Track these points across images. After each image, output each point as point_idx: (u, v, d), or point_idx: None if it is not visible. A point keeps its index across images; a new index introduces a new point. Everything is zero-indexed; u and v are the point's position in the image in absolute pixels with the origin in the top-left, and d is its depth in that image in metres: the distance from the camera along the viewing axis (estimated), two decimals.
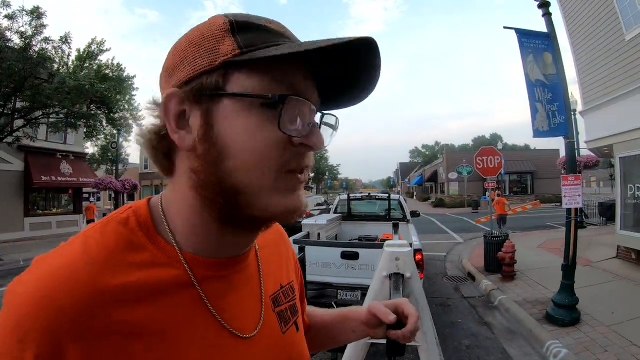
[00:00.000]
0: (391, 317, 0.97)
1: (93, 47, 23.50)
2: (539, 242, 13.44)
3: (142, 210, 0.69)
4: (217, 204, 0.64)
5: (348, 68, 0.66)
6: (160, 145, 0.67)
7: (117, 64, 26.75)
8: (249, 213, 0.64)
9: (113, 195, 24.15)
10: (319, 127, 0.69)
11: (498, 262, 8.95)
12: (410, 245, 3.54)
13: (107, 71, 24.94)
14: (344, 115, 0.76)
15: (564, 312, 5.99)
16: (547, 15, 6.10)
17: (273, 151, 0.61)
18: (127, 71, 27.55)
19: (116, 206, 23.35)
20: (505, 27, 6.17)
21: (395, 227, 7.60)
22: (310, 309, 1.18)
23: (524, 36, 6.05)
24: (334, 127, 0.75)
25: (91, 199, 33.33)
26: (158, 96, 0.66)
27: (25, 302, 0.54)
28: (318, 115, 0.70)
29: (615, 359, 4.79)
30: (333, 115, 0.74)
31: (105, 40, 23.50)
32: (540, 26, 6.25)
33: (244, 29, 0.61)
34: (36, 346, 0.53)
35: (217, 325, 0.68)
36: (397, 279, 1.77)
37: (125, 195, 23.12)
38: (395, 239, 6.15)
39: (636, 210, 9.05)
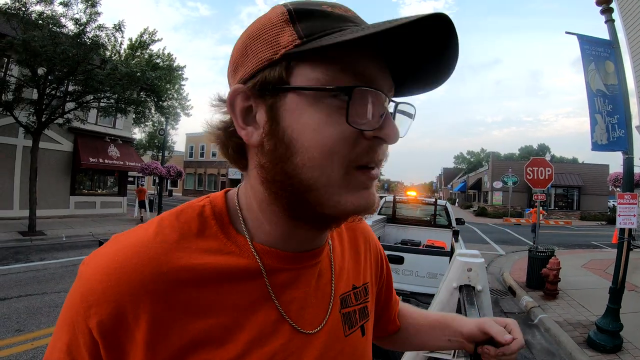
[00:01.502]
0: (508, 338, 0.89)
1: (145, 36, 24.23)
2: (583, 262, 12.94)
3: (219, 200, 0.71)
4: (286, 200, 0.62)
5: (422, 50, 0.59)
6: (230, 141, 0.68)
7: (168, 54, 27.66)
8: (319, 210, 0.61)
9: (157, 180, 24.66)
10: (394, 117, 0.64)
11: (541, 279, 8.63)
12: None
13: (157, 60, 25.71)
14: None
15: (607, 337, 5.71)
16: (610, 21, 5.80)
17: (342, 146, 0.57)
18: (177, 62, 28.28)
19: (160, 191, 23.93)
20: (567, 33, 5.90)
21: (456, 234, 7.35)
22: (404, 308, 1.16)
23: (587, 43, 5.77)
24: (411, 116, 0.70)
25: (142, 182, 34.21)
26: (224, 92, 0.67)
27: (98, 272, 0.58)
28: (392, 104, 0.65)
29: None
30: (409, 103, 0.68)
31: (156, 31, 24.21)
32: (592, 33, 5.97)
33: (305, 17, 0.58)
34: (101, 313, 0.56)
35: (279, 317, 0.67)
36: (469, 292, 1.65)
37: (169, 181, 23.62)
38: (458, 247, 5.95)
39: None
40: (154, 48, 25.31)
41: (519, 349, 0.89)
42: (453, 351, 1.85)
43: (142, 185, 25.03)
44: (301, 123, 0.57)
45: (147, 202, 21.90)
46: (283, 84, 0.57)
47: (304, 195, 0.60)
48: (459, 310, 1.63)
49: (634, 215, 5.63)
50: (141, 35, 24.09)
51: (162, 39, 24.50)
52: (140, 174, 24.05)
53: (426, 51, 0.59)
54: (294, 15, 0.58)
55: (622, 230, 5.76)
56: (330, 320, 0.76)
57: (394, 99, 0.66)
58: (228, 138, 0.68)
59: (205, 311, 0.61)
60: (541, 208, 11.90)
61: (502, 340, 0.88)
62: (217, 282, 0.62)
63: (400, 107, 0.66)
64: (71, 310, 0.59)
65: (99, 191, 23.08)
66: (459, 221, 9.13)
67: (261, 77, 0.58)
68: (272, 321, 0.66)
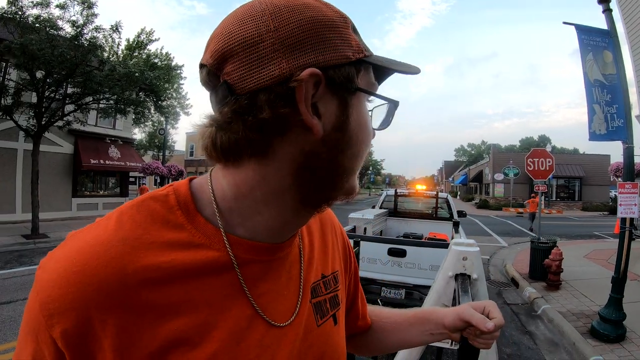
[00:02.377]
0: (489, 325, 0.89)
1: (142, 37, 24.22)
2: (585, 252, 12.94)
3: (183, 189, 0.68)
4: (315, 186, 0.64)
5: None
6: (238, 128, 0.60)
7: (166, 53, 27.65)
8: (336, 193, 0.67)
9: (159, 180, 24.81)
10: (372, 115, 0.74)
11: (544, 270, 8.64)
12: None
13: (156, 60, 25.66)
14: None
15: (610, 327, 5.73)
16: (607, 11, 5.79)
17: (369, 142, 0.69)
18: (175, 61, 28.31)
19: None
20: (564, 23, 5.90)
21: (456, 225, 7.44)
22: (377, 309, 1.16)
23: (584, 33, 5.76)
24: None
25: (143, 181, 34.36)
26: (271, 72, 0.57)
27: (56, 277, 0.55)
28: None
29: None
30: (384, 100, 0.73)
31: (154, 31, 24.15)
32: (593, 24, 5.96)
33: (355, 31, 0.66)
34: (64, 322, 0.53)
35: (252, 311, 0.67)
36: (464, 281, 1.68)
37: (170, 180, 23.77)
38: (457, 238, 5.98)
39: None
40: (152, 48, 25.39)
41: (500, 327, 0.91)
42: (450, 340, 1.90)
43: (144, 184, 25.18)
44: (359, 120, 0.64)
45: None
46: (355, 84, 0.62)
47: (337, 180, 0.65)
48: (455, 299, 1.66)
49: (635, 205, 5.63)
50: (138, 36, 24.10)
51: (159, 38, 24.51)
52: (142, 174, 24.15)
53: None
54: (353, 26, 0.66)
55: (623, 220, 5.77)
56: (301, 311, 0.76)
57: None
58: (242, 123, 0.59)
59: (176, 311, 0.59)
60: (539, 198, 11.92)
61: (484, 329, 0.89)
62: (186, 279, 0.60)
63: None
64: (32, 320, 0.57)
65: (101, 192, 23.15)
66: (461, 213, 9.17)
67: (343, 72, 0.60)
68: (246, 316, 0.66)
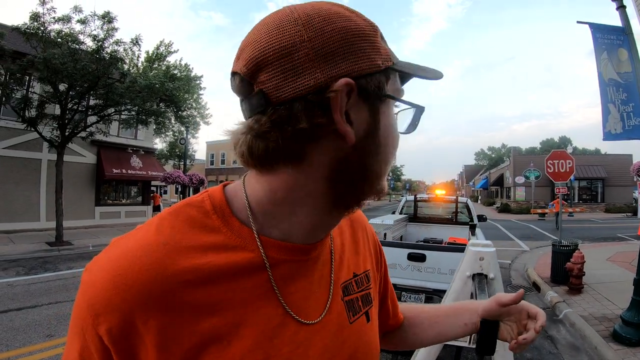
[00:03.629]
0: (516, 295, 0.98)
1: (162, 49, 24.50)
2: (608, 255, 12.70)
3: (218, 194, 0.72)
4: (345, 189, 0.67)
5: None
6: (277, 135, 0.60)
7: (185, 64, 27.98)
8: (367, 194, 0.70)
9: (180, 189, 25.15)
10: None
11: (565, 273, 8.52)
12: None
13: (175, 71, 26.00)
14: None
15: (633, 330, 5.62)
16: (621, 8, 5.76)
17: (397, 146, 0.72)
18: (194, 71, 28.66)
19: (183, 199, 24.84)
20: (578, 22, 5.88)
21: (473, 228, 7.39)
22: (412, 305, 1.20)
23: (599, 31, 5.73)
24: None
25: (163, 190, 35.09)
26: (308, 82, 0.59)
27: (101, 280, 0.59)
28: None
29: None
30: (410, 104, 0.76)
31: (172, 43, 24.49)
32: (610, 21, 5.91)
33: (382, 38, 0.67)
34: (110, 321, 0.57)
35: (282, 310, 0.69)
36: (480, 280, 1.72)
37: (191, 189, 24.07)
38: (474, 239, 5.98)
39: None
40: (171, 59, 25.69)
41: (541, 328, 0.96)
42: (469, 338, 1.92)
43: (154, 192, 25.96)
44: (387, 126, 0.67)
45: (161, 206, 23.42)
46: (385, 92, 0.64)
47: (368, 183, 0.68)
48: (472, 298, 1.69)
49: None
50: (157, 48, 24.39)
51: (178, 50, 24.87)
52: (163, 183, 24.47)
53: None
54: (381, 34, 0.67)
55: None
56: (333, 308, 0.77)
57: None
58: (280, 132, 0.60)
59: (212, 310, 0.62)
60: (562, 201, 11.77)
61: (532, 311, 0.98)
62: (221, 279, 0.63)
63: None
64: (79, 319, 0.61)
65: (123, 201, 23.57)
66: (481, 218, 9.11)
67: (375, 81, 0.62)
68: (277, 315, 0.68)
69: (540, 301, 8.27)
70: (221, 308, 0.63)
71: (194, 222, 0.67)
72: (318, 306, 0.75)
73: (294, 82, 0.57)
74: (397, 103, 0.70)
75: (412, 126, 0.73)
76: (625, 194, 37.19)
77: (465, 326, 1.03)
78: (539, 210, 29.73)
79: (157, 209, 24.08)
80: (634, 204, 33.68)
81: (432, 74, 0.71)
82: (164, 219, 0.67)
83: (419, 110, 0.71)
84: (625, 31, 5.72)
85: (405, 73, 0.69)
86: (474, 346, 1.47)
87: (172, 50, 24.67)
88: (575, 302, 7.64)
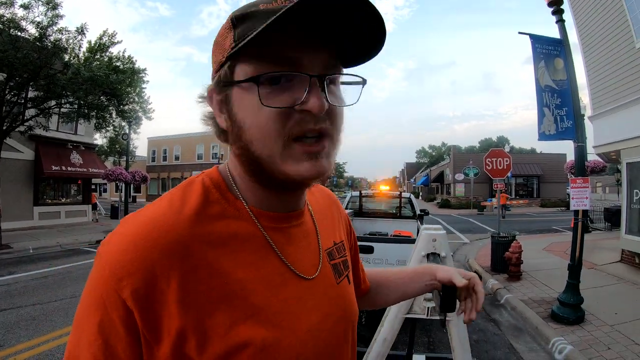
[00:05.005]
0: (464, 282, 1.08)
1: (105, 39, 23.33)
2: (544, 245, 13.59)
3: (214, 174, 0.81)
4: (250, 169, 0.75)
5: (346, 20, 0.67)
6: (216, 126, 0.79)
7: (129, 56, 26.68)
8: (274, 177, 0.72)
9: (122, 186, 24.34)
10: (333, 87, 0.74)
11: (505, 262, 9.09)
12: None
13: (118, 63, 24.88)
14: (350, 115, 0.78)
15: (569, 310, 6.14)
16: (560, 22, 6.21)
17: (272, 124, 0.67)
18: (137, 64, 27.48)
19: (126, 197, 23.63)
20: (520, 33, 6.27)
21: (421, 218, 7.94)
22: (381, 269, 1.31)
23: (538, 42, 6.15)
24: (360, 83, 0.78)
25: (98, 189, 33.77)
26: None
27: (124, 246, 0.64)
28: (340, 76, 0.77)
29: (618, 357, 4.93)
30: (350, 74, 0.77)
31: (116, 33, 23.35)
32: (546, 31, 6.36)
33: (241, 22, 0.68)
34: (134, 283, 0.61)
35: (284, 268, 0.78)
36: (435, 258, 1.94)
37: (132, 187, 23.25)
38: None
39: None
40: (114, 50, 24.37)
41: (482, 297, 1.10)
42: (426, 311, 2.15)
43: (94, 191, 25.49)
44: (243, 109, 0.70)
45: (98, 204, 23.45)
46: (229, 80, 0.71)
47: (258, 165, 0.72)
48: None
49: (587, 198, 6.08)
50: (100, 38, 23.04)
51: (122, 40, 23.70)
52: (104, 181, 23.60)
53: (351, 20, 0.67)
54: (235, 22, 0.69)
55: (576, 212, 6.21)
56: (322, 269, 0.87)
57: (340, 71, 0.75)
58: (214, 124, 0.79)
59: (224, 270, 0.69)
60: (503, 193, 12.46)
61: (460, 285, 1.06)
62: (229, 244, 0.71)
63: (345, 78, 0.77)
64: (99, 289, 0.63)
65: (63, 200, 22.48)
66: (423, 212, 9.47)
67: (217, 76, 0.72)
68: (280, 272, 0.77)
69: (483, 288, 8.70)
70: (231, 268, 0.70)
71: (199, 196, 0.75)
72: (311, 266, 0.85)
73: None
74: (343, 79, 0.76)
75: (263, 99, 0.67)
76: (560, 189, 39.40)
77: (426, 286, 1.15)
78: (488, 204, 31.40)
79: (94, 207, 23.65)
80: (568, 199, 35.61)
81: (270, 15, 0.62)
82: (173, 194, 0.75)
83: (257, 83, 0.67)
84: (562, 43, 6.20)
85: (243, 48, 0.65)
86: (430, 317, 1.71)
87: (116, 41, 23.42)
88: (515, 288, 8.19)
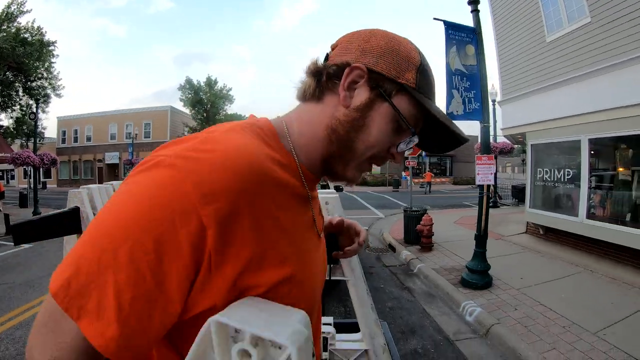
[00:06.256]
0: (358, 228, 1.30)
1: (13, 7, 21.33)
2: (455, 219, 14.54)
3: (268, 124, 0.85)
4: (330, 142, 0.83)
5: (437, 137, 0.92)
6: (319, 81, 0.85)
7: (38, 27, 24.48)
8: (337, 165, 0.86)
9: (31, 171, 22.36)
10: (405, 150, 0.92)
11: (417, 235, 9.63)
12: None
13: (26, 35, 22.88)
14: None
15: (478, 277, 6.64)
16: (475, 11, 6.60)
17: (375, 150, 0.84)
18: (47, 36, 25.04)
19: (35, 184, 21.00)
20: (435, 19, 6.54)
21: (337, 189, 7.99)
22: None
23: (451, 28, 6.44)
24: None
25: (5, 176, 30.50)
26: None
27: (215, 165, 0.63)
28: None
29: (525, 316, 5.42)
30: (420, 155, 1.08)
31: (25, 1, 21.39)
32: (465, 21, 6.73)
33: (422, 73, 0.84)
34: (219, 202, 0.61)
35: (313, 223, 0.90)
36: None
37: (41, 172, 21.05)
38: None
39: (544, 191, 10.17)
40: (22, 21, 22.06)
41: (364, 240, 1.28)
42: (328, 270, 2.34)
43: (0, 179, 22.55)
44: (377, 122, 0.82)
45: (4, 193, 20.75)
46: (389, 95, 0.81)
47: (343, 152, 0.83)
48: None
49: (491, 174, 6.63)
50: (8, 6, 20.96)
51: (31, 10, 21.48)
52: (11, 166, 21.52)
53: (438, 138, 0.92)
54: (419, 67, 0.83)
55: (481, 186, 6.71)
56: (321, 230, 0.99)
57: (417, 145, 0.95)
58: (320, 78, 0.85)
59: (282, 209, 0.73)
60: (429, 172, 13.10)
61: (336, 223, 1.26)
62: (284, 187, 0.75)
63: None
64: (171, 202, 0.59)
65: None
66: (337, 188, 9.73)
67: (382, 79, 0.81)
68: (310, 226, 0.88)
69: (396, 259, 9.25)
70: (285, 210, 0.74)
71: (260, 137, 0.78)
72: (320, 227, 0.97)
73: (341, 57, 0.84)
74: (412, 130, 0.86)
75: (404, 148, 0.88)
76: (471, 168, 41.27)
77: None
78: (421, 180, 34.09)
79: (1, 196, 20.74)
80: None
81: (453, 126, 0.87)
82: (237, 132, 0.75)
83: (413, 134, 0.85)
84: (475, 31, 6.57)
85: (418, 102, 0.82)
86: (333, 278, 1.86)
87: (25, 9, 21.19)
88: (427, 258, 8.71)
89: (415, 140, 0.86)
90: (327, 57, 0.89)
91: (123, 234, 0.58)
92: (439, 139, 0.92)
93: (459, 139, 0.90)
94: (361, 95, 0.82)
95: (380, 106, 0.82)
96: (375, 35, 0.85)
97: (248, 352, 0.56)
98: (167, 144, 0.72)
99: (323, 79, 0.84)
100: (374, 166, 0.94)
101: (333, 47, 0.89)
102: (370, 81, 0.81)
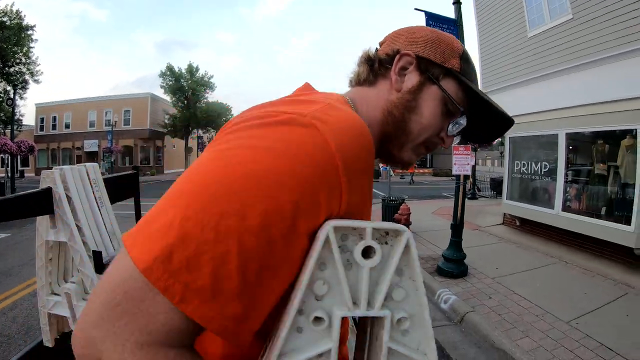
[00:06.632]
0: None
1: None
2: (433, 209, 14.64)
3: (345, 102, 0.85)
4: (389, 129, 0.90)
5: (485, 121, 0.99)
6: (371, 66, 0.94)
7: (17, 11, 23.85)
8: (393, 148, 0.92)
9: (8, 159, 21.65)
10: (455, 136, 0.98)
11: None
12: None
13: (4, 19, 22.20)
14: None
15: (453, 265, 6.73)
16: (457, 3, 6.66)
17: (428, 132, 0.91)
18: (26, 20, 24.32)
19: (12, 172, 20.82)
20: (416, 9, 6.63)
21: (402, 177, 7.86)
22: None
23: (433, 19, 6.52)
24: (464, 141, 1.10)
25: None
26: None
27: (354, 129, 0.64)
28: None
29: (499, 305, 5.50)
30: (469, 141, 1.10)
31: None
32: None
33: (465, 60, 0.91)
34: (354, 163, 0.60)
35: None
36: None
37: (19, 160, 20.35)
38: None
39: (521, 184, 10.33)
40: (1, 4, 21.44)
41: None
42: None
43: None
44: (428, 104, 0.89)
45: None
46: (437, 79, 0.89)
47: (398, 134, 0.89)
48: None
49: (468, 164, 6.76)
50: None
51: None
52: None
53: (486, 123, 0.99)
54: (462, 55, 0.91)
55: (458, 177, 6.83)
56: None
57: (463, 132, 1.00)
58: (373, 64, 0.93)
59: (364, 185, 0.68)
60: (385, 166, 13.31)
61: None
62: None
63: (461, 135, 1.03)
64: (321, 164, 0.55)
65: None
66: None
67: (429, 64, 0.89)
68: (368, 208, 0.83)
69: None
70: (365, 184, 0.69)
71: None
72: None
73: (390, 47, 0.93)
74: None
75: (453, 130, 0.93)
76: (451, 160, 41.92)
77: None
78: (402, 171, 33.99)
79: None
80: None
81: (498, 108, 0.94)
82: (342, 103, 0.77)
83: (463, 116, 0.91)
84: (456, 23, 6.62)
85: (466, 85, 0.90)
86: None
87: None
88: None
89: (463, 122, 0.91)
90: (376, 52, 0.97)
91: (255, 193, 0.51)
92: (486, 123, 1.00)
93: (506, 120, 0.97)
94: (412, 79, 0.89)
95: (430, 88, 0.89)
96: (420, 28, 0.95)
97: (372, 249, 0.59)
98: (275, 102, 0.72)
99: (375, 65, 0.93)
100: None
101: (381, 44, 0.99)
102: (419, 66, 0.89)
